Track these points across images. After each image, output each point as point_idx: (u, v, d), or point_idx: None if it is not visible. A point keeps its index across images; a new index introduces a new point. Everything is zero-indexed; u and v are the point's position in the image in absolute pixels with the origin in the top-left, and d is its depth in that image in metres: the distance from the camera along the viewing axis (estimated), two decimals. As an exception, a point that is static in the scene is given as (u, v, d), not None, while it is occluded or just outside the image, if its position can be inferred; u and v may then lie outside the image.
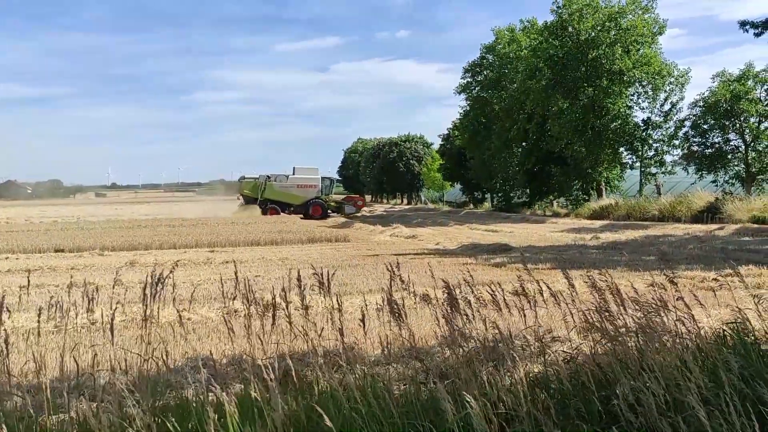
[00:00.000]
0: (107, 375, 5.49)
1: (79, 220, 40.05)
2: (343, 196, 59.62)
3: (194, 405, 4.30)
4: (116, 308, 8.08)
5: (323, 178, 49.84)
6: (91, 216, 46.28)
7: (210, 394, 4.13)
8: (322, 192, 48.37)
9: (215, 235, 25.96)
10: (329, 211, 47.80)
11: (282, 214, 45.30)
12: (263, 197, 47.34)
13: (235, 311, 8.28)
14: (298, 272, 5.56)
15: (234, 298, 5.90)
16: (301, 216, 43.93)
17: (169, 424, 3.90)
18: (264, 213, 45.30)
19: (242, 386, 4.28)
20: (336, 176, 61.29)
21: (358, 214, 48.82)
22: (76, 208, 63.74)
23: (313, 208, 46.39)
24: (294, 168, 49.42)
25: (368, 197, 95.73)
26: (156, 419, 3.95)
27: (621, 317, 4.82)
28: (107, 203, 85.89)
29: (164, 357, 5.13)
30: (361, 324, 5.18)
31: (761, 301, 5.21)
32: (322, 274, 5.53)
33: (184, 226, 31.93)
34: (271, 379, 4.04)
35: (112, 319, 4.89)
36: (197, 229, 29.70)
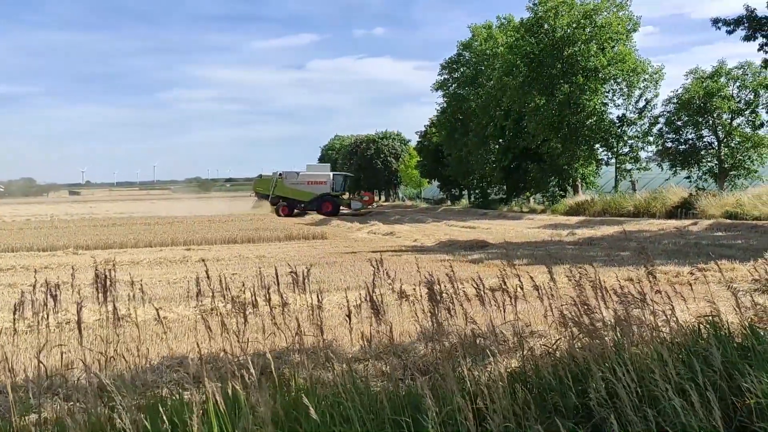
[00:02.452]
0: (81, 374, 5.42)
1: (52, 219, 39.52)
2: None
3: (170, 403, 4.25)
4: (91, 307, 7.99)
5: (335, 175, 49.53)
6: (65, 214, 45.73)
7: (188, 392, 4.08)
8: (333, 188, 47.87)
9: (191, 233, 25.76)
10: (341, 207, 47.32)
11: (295, 210, 45.71)
12: (275, 194, 47.45)
13: (212, 309, 8.21)
14: (276, 270, 5.53)
15: (213, 296, 5.84)
16: (317, 212, 44.72)
17: (147, 423, 3.85)
18: (276, 211, 45.51)
19: (220, 384, 4.23)
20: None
21: (362, 210, 48.16)
22: (49, 207, 62.90)
23: (324, 204, 46.21)
24: (306, 165, 49.95)
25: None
26: (134, 418, 3.89)
27: (598, 311, 4.85)
28: (81, 201, 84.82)
29: (140, 356, 5.07)
30: (342, 321, 5.16)
31: (736, 296, 5.27)
32: (299, 272, 5.50)
33: (160, 224, 31.66)
34: (250, 376, 4.00)
35: (80, 319, 4.81)
36: (173, 227, 29.46)
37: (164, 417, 3.93)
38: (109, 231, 27.69)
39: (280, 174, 48.26)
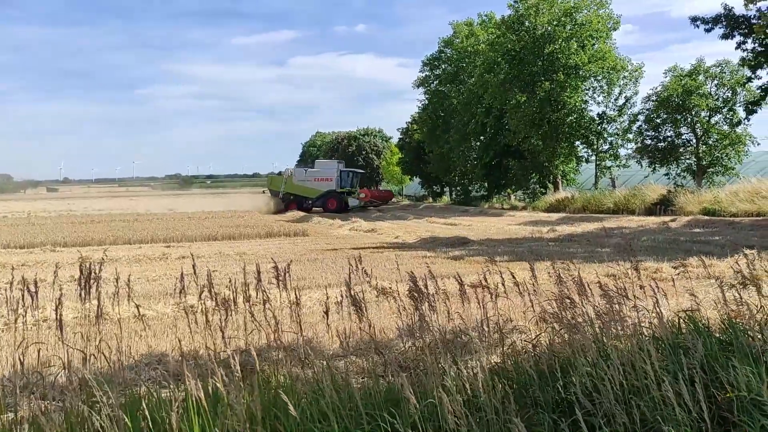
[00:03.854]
0: (59, 372, 5.35)
1: (30, 216, 39.04)
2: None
3: (148, 401, 4.21)
4: (68, 305, 7.89)
5: (342, 171, 48.46)
6: (42, 211, 45.18)
7: (167, 390, 4.04)
8: (340, 185, 47.14)
9: (171, 230, 25.57)
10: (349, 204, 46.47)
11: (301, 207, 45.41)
12: (284, 191, 47.29)
13: (192, 307, 8.15)
14: (257, 266, 5.49)
15: (200, 293, 5.79)
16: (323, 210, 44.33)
17: (127, 420, 3.81)
18: (285, 208, 45.33)
19: (199, 381, 4.19)
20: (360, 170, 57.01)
21: (370, 207, 47.53)
22: (27, 204, 62.12)
23: (329, 201, 45.89)
24: (315, 161, 50.11)
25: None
26: (112, 416, 3.85)
27: (579, 306, 4.87)
28: (59, 198, 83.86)
29: (120, 354, 5.01)
30: (322, 317, 5.14)
31: (722, 291, 5.32)
32: (280, 268, 5.47)
33: (139, 221, 31.38)
34: (231, 373, 3.97)
35: (60, 316, 4.75)
36: (152, 224, 29.22)
37: (145, 414, 3.89)
38: (88, 228, 27.41)
39: (290, 171, 48.40)
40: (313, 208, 45.70)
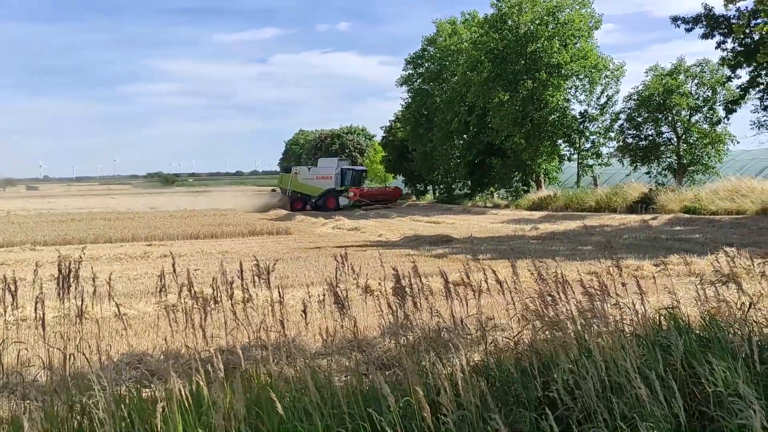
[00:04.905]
0: (39, 372, 5.30)
1: (9, 214, 38.61)
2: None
3: (129, 401, 4.18)
4: (48, 304, 7.81)
5: (343, 169, 47.69)
6: (22, 210, 44.71)
7: (148, 389, 4.01)
8: (341, 183, 46.51)
9: (152, 228, 25.41)
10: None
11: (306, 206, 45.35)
12: (291, 189, 47.18)
13: (173, 305, 8.10)
14: (240, 264, 5.47)
15: (180, 291, 5.75)
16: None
17: (107, 420, 3.77)
18: (291, 207, 45.14)
19: (181, 381, 4.17)
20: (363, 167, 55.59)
21: (367, 206, 45.87)
22: (6, 202, 61.37)
23: (328, 200, 45.62)
24: (318, 159, 49.63)
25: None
26: (92, 416, 3.82)
27: (562, 303, 4.90)
28: (39, 197, 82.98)
29: (100, 353, 4.97)
30: (303, 316, 5.13)
31: (703, 288, 5.37)
32: (262, 267, 5.45)
33: (120, 220, 31.16)
34: (215, 371, 3.95)
35: (43, 316, 4.71)
36: (134, 223, 29.02)
37: (124, 414, 3.87)
38: (68, 227, 27.15)
39: (296, 169, 48.24)
40: (317, 207, 45.41)
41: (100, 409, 3.74)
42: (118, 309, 5.55)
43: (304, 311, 5.16)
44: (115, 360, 6.53)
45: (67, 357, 4.78)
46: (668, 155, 33.70)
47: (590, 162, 39.42)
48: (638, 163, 34.12)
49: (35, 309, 4.84)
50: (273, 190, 52.58)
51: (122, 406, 3.93)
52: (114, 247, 20.32)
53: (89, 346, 4.98)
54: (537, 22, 37.76)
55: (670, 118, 33.10)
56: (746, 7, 21.88)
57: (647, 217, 25.20)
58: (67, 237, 22.52)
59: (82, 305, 5.08)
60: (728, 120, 31.39)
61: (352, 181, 47.78)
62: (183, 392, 3.83)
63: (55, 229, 25.43)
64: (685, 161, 32.83)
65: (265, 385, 4.40)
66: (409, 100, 53.62)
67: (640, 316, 4.93)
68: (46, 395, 4.23)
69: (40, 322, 4.77)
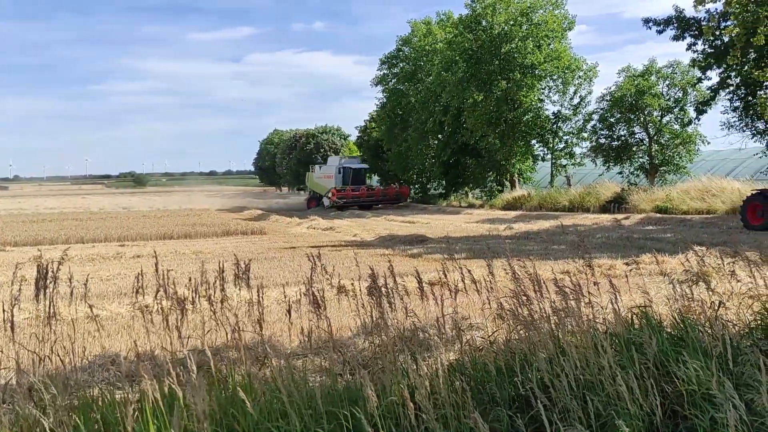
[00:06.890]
0: (10, 375, 5.22)
1: (-22, 215, 37.95)
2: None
3: (101, 403, 4.13)
4: (18, 305, 7.70)
5: (343, 168, 46.75)
6: (-9, 210, 43.95)
7: (121, 391, 3.97)
8: (342, 182, 45.69)
9: (125, 228, 25.16)
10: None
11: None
12: (309, 188, 48.37)
13: (147, 306, 8.02)
14: (220, 264, 5.43)
15: (156, 293, 5.70)
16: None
17: (80, 423, 3.73)
18: (307, 206, 45.96)
19: (154, 382, 4.13)
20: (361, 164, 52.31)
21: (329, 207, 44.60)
22: (-26, 202, 60.38)
23: (309, 201, 46.42)
24: (327, 158, 50.11)
25: (285, 189, 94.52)
26: (64, 418, 3.77)
27: (536, 302, 4.93)
28: (9, 197, 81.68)
29: (72, 355, 4.91)
30: (281, 316, 5.11)
31: (675, 287, 5.44)
32: (238, 266, 5.42)
33: (92, 220, 30.80)
34: (187, 373, 3.92)
35: (12, 317, 4.64)
36: (106, 223, 28.70)
37: (97, 417, 3.82)
38: (40, 227, 26.77)
39: (312, 168, 49.09)
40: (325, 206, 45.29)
41: (69, 412, 3.70)
42: (92, 310, 5.48)
43: (289, 311, 5.15)
44: (89, 361, 6.46)
45: (41, 359, 4.72)
46: (640, 155, 34.10)
47: (564, 162, 39.78)
48: (611, 163, 34.48)
49: (3, 310, 4.77)
50: (299, 189, 53.05)
51: (94, 408, 3.88)
52: (86, 247, 20.07)
53: (63, 348, 4.92)
54: (511, 22, 37.97)
55: (642, 118, 33.49)
56: (716, 9, 22.22)
57: (620, 216, 25.50)
58: (38, 237, 22.19)
59: (51, 307, 5.01)
60: (699, 121, 31.83)
61: (353, 180, 46.55)
62: (155, 394, 3.79)
63: (26, 230, 25.06)
64: (656, 161, 33.25)
65: (240, 385, 4.38)
66: (384, 100, 53.54)
67: (614, 314, 4.99)
68: (17, 397, 4.17)
69: (10, 323, 4.69)
